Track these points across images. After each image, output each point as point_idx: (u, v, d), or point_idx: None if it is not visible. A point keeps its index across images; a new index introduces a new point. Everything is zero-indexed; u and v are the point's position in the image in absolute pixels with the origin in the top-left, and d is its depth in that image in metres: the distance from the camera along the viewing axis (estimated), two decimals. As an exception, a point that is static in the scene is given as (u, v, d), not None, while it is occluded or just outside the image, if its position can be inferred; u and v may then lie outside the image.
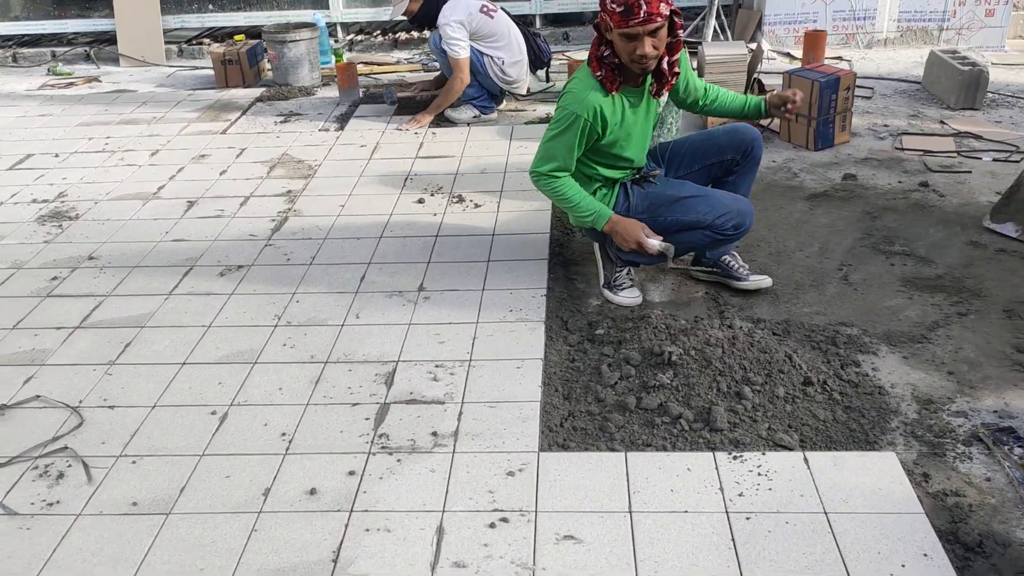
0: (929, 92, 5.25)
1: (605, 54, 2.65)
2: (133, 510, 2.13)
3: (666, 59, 2.68)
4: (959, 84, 4.94)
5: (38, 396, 2.59)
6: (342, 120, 5.16)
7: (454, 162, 4.34)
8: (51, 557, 2.00)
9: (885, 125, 4.69)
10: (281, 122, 5.19)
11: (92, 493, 2.20)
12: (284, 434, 2.38)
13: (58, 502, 2.17)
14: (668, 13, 2.54)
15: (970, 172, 4.05)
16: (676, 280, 3.15)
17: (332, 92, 5.75)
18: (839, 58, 5.91)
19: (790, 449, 2.23)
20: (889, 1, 6.09)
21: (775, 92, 2.96)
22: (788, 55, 6.05)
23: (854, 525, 1.97)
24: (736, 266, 3.00)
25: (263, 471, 2.24)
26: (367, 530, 2.03)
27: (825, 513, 2.01)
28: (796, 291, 3.07)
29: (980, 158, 4.21)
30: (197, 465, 2.28)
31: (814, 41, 5.44)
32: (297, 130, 5.00)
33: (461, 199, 3.88)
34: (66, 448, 2.36)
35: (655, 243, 2.77)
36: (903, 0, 6.09)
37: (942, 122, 4.75)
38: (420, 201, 3.88)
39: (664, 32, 2.58)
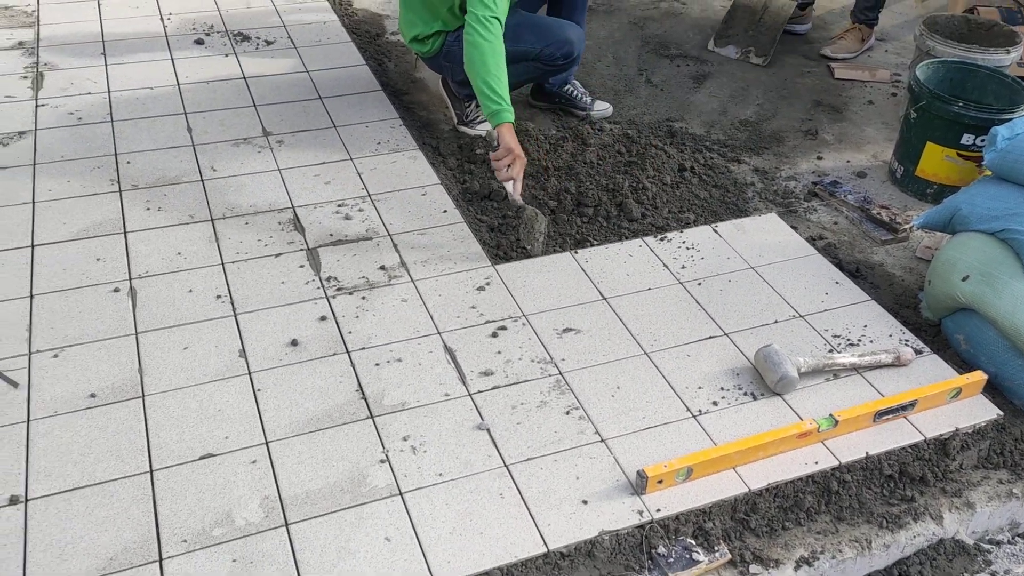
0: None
1: None
2: (96, 402, 1.86)
3: None
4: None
5: None
6: (24, -44, 4.27)
7: (207, -2, 3.88)
8: (30, 470, 1.70)
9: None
10: (-64, -39, 4.15)
11: (27, 396, 1.87)
12: (219, 296, 2.18)
13: (-11, 415, 1.82)
14: None
15: (695, -17, 4.55)
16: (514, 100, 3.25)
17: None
18: None
19: (696, 224, 2.56)
20: None
21: None
22: None
23: (777, 272, 2.37)
24: (579, 95, 3.09)
25: (224, 335, 2.06)
26: (377, 364, 2.00)
27: (752, 268, 2.38)
28: (616, 97, 3.35)
29: (696, -30, 4.73)
30: (139, 343, 2.02)
31: None
32: (-32, -30, 4.05)
33: (246, 37, 3.53)
34: (-46, 359, 1.94)
35: (518, 196, 2.47)
36: None
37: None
38: (199, 42, 3.47)
39: None
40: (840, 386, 2.00)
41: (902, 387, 1.98)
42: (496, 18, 2.39)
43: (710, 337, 2.14)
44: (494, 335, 2.11)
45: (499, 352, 2.06)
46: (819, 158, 3.03)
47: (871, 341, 2.14)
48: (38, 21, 3.56)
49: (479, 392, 1.95)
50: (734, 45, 3.64)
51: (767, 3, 3.68)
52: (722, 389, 1.98)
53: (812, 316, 2.22)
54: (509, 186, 2.46)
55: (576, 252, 2.40)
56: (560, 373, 2.01)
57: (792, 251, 2.46)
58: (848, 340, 2.14)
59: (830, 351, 2.10)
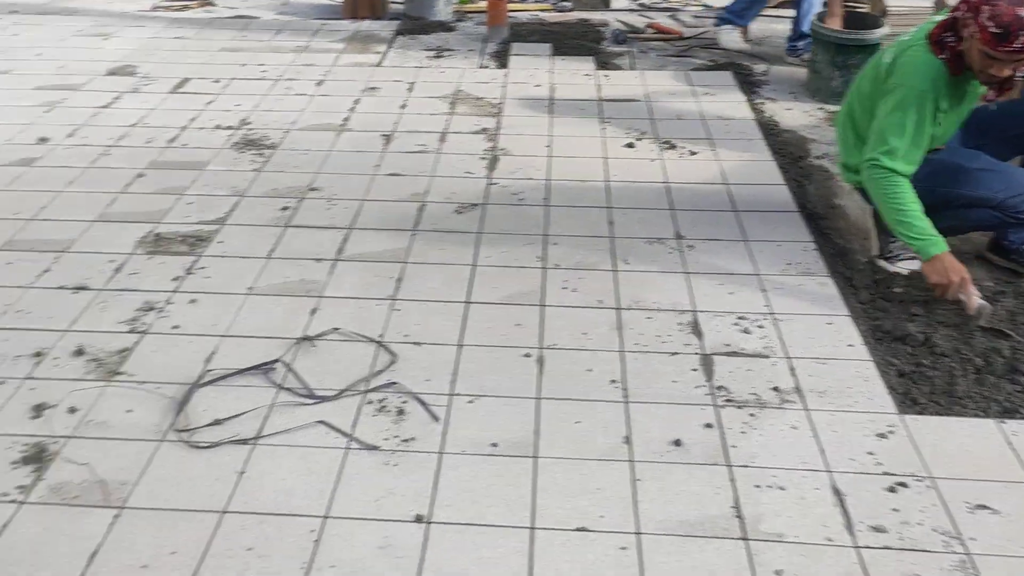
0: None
1: (948, 40, 2.42)
2: (495, 451, 2.05)
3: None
4: None
5: (336, 329, 2.49)
6: (499, 58, 4.99)
7: (643, 106, 4.19)
8: (436, 496, 1.92)
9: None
10: (433, 57, 5.02)
11: (444, 431, 2.11)
12: (614, 381, 2.29)
13: (413, 439, 2.08)
14: None
15: None
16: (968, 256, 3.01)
17: (471, 28, 5.58)
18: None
19: None
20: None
21: None
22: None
23: None
24: None
25: (612, 418, 2.15)
26: (757, 487, 1.95)
27: None
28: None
29: None
30: (539, 408, 2.19)
31: None
32: (455, 66, 4.83)
33: (672, 145, 3.74)
34: (395, 384, 2.26)
35: (977, 299, 2.39)
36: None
37: None
38: (630, 145, 3.74)
39: None
40: None
41: None
42: (884, 167, 2.47)
43: None
44: (892, 490, 1.94)
45: (896, 510, 1.89)
46: None
47: None
48: (500, 112, 4.12)
49: (867, 547, 1.80)
50: None
51: None
52: None
53: None
54: (969, 307, 2.42)
55: (1003, 422, 2.14)
56: (967, 553, 1.78)
57: None
58: None
59: None
